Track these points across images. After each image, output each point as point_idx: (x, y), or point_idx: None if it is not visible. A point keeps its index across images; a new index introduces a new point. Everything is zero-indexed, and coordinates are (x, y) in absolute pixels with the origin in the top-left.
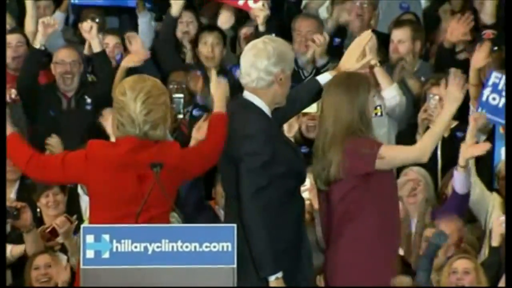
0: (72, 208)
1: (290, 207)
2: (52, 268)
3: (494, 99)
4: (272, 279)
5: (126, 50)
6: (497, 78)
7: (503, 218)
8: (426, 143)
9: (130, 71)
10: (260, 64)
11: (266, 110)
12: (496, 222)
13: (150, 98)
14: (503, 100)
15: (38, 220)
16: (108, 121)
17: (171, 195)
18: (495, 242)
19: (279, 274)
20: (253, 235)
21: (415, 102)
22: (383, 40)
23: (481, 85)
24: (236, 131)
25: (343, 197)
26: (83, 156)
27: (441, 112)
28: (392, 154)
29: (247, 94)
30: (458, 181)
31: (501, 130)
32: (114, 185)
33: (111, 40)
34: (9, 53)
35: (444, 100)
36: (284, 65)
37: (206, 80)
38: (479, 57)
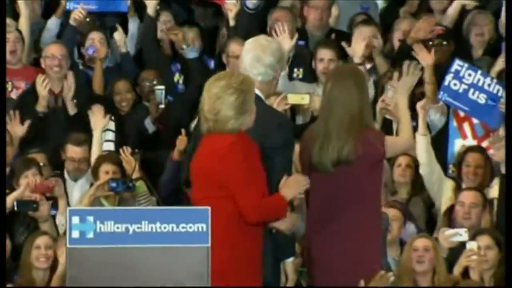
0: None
1: None
2: (52, 249)
3: (455, 84)
4: (291, 259)
5: (109, 46)
6: (459, 66)
7: (448, 232)
8: (410, 133)
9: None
10: (267, 60)
11: None
12: (442, 236)
13: (220, 98)
14: (463, 86)
15: None
16: (95, 116)
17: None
18: (444, 254)
19: None
20: None
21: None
22: (343, 38)
23: (436, 83)
24: (263, 121)
25: (356, 181)
26: None
27: (398, 104)
28: (393, 143)
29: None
30: None
31: (454, 123)
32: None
33: (96, 36)
34: (7, 48)
35: (396, 90)
36: (283, 64)
37: (185, 71)
38: (423, 55)
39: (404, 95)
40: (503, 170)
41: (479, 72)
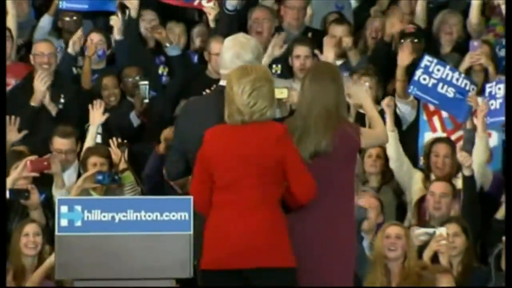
0: (47, 181)
1: None
2: (39, 237)
3: (424, 79)
4: None
5: (109, 47)
6: (428, 61)
7: (418, 231)
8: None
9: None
10: (246, 56)
11: None
12: (412, 234)
13: (254, 91)
14: (432, 80)
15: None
16: (95, 110)
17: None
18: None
19: None
20: None
21: None
22: (319, 36)
23: (407, 81)
24: None
25: (333, 172)
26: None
27: (364, 107)
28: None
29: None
30: None
31: (424, 117)
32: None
33: (95, 37)
34: None
35: (353, 96)
36: (260, 60)
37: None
38: (404, 55)
39: (365, 98)
40: (465, 172)
41: (448, 67)
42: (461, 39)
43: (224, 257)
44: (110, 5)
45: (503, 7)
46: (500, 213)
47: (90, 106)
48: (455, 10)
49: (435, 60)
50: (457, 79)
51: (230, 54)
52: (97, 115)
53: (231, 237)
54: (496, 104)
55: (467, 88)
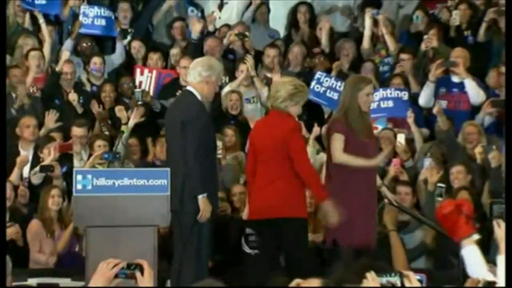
0: (69, 158)
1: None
2: (60, 198)
3: (317, 87)
4: (200, 197)
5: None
6: (320, 75)
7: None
8: None
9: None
10: (197, 68)
11: (199, 97)
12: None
13: (278, 91)
14: (323, 88)
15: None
16: (121, 112)
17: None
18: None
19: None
20: (191, 170)
21: None
22: (259, 54)
23: None
24: (187, 106)
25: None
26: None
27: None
28: None
29: (189, 87)
30: None
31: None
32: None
33: (97, 60)
34: (34, 62)
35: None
36: (212, 73)
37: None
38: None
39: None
40: None
41: (333, 78)
42: (355, 59)
43: (263, 209)
44: (114, 32)
45: (386, 37)
46: None
47: (116, 110)
48: (350, 38)
49: (324, 74)
50: (339, 86)
51: (190, 68)
52: (124, 115)
53: (266, 197)
54: (374, 105)
55: None
